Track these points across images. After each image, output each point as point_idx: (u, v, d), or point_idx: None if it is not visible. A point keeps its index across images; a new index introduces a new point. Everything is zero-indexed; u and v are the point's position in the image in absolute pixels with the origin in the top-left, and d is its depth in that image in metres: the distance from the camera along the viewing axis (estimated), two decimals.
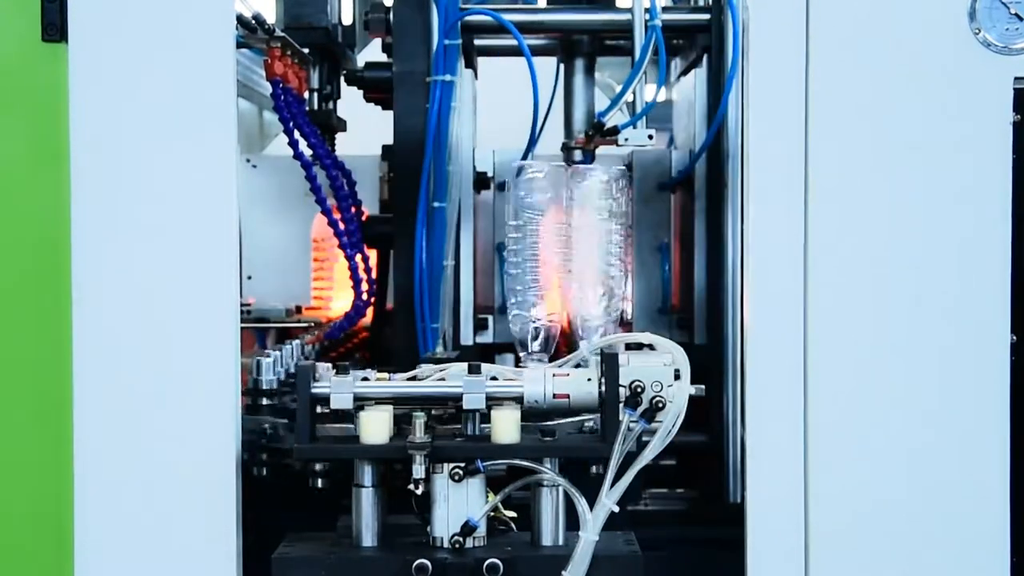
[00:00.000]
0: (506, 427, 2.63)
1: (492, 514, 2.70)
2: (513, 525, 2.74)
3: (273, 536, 2.78)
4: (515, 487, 2.67)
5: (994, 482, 2.81)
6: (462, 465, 2.62)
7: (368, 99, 3.78)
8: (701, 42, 3.65)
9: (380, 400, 2.69)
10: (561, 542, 2.69)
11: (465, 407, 2.65)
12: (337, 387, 2.64)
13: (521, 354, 2.99)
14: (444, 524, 2.65)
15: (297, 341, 3.22)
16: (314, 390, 2.64)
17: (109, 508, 2.72)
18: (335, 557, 2.65)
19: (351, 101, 4.01)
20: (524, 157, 3.54)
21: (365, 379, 2.70)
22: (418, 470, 2.58)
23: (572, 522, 2.67)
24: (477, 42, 3.80)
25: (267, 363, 3.11)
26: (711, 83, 3.60)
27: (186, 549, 2.71)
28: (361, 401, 2.66)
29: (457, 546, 2.63)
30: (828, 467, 2.80)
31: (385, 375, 2.77)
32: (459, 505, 2.64)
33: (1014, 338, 2.81)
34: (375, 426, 2.63)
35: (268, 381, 3.11)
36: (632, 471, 2.59)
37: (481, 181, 3.73)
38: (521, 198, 2.99)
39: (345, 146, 4.02)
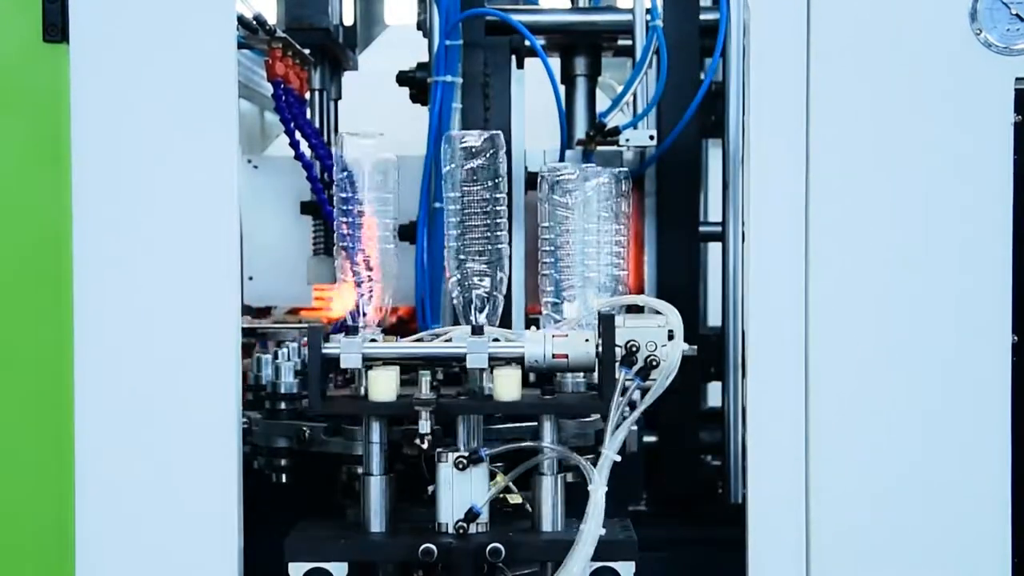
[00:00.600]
0: (508, 385, 2.69)
1: (502, 503, 2.78)
2: (529, 505, 2.79)
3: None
4: (516, 474, 2.71)
5: (995, 482, 2.81)
6: (466, 454, 2.68)
7: (415, 100, 3.78)
8: None
9: (388, 361, 2.74)
10: (560, 527, 2.74)
11: (469, 366, 2.70)
12: (347, 347, 2.69)
13: None
14: (449, 511, 2.70)
15: (294, 344, 3.22)
16: (325, 351, 2.68)
17: (110, 508, 2.72)
18: (345, 541, 2.71)
19: (351, 101, 4.01)
20: (561, 157, 3.57)
21: (373, 340, 2.75)
22: (424, 425, 2.64)
23: (571, 510, 2.71)
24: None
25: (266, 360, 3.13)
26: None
27: (186, 549, 2.72)
28: (370, 361, 2.71)
29: (461, 531, 2.68)
30: (828, 467, 2.80)
31: (393, 338, 2.82)
32: (463, 492, 2.69)
33: (1015, 339, 2.81)
34: (383, 384, 2.69)
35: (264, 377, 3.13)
36: (629, 421, 2.64)
37: (532, 181, 3.73)
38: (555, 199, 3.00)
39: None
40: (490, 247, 2.83)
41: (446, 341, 2.81)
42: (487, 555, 2.64)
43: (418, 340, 2.86)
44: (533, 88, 3.73)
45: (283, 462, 3.01)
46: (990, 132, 2.79)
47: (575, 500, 2.69)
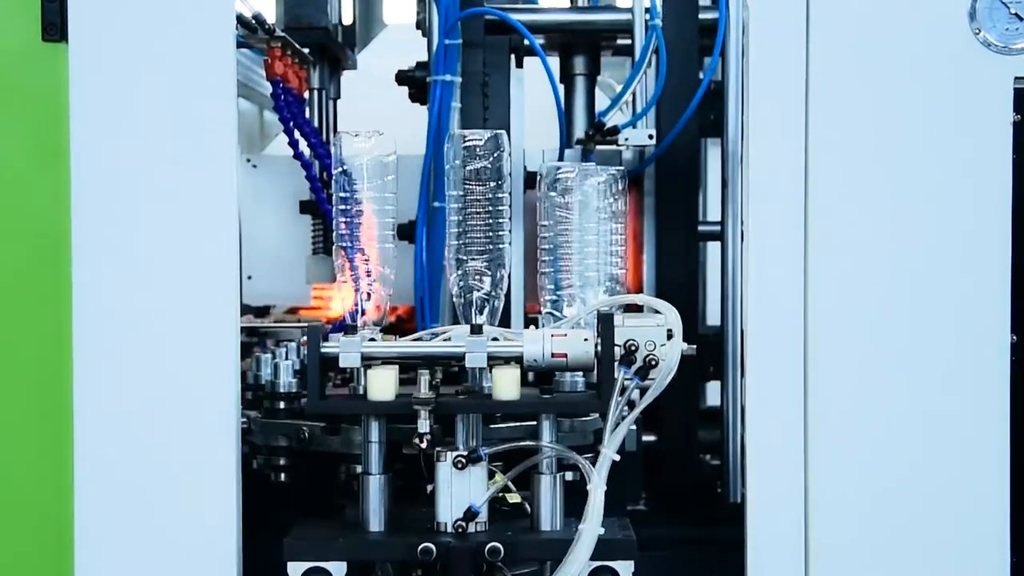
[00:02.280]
0: (506, 384, 2.68)
1: (500, 495, 2.76)
2: (528, 506, 2.79)
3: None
4: (515, 473, 2.71)
5: (994, 482, 2.81)
6: (465, 453, 2.67)
7: (413, 99, 3.78)
8: None
9: (387, 360, 2.74)
10: (560, 527, 2.73)
11: (468, 366, 2.70)
12: (346, 346, 2.68)
13: None
14: (448, 510, 2.69)
15: (293, 343, 3.22)
16: (323, 350, 2.68)
17: (109, 508, 2.72)
18: (344, 540, 2.70)
19: (351, 101, 4.01)
20: (560, 156, 3.57)
21: (372, 339, 2.75)
22: (423, 424, 2.64)
23: (570, 510, 2.71)
24: None
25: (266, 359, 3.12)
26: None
27: (186, 549, 2.72)
28: (369, 361, 2.71)
29: (460, 531, 2.68)
30: (828, 466, 2.80)
31: (391, 337, 2.82)
32: (462, 492, 2.68)
33: (1014, 338, 2.81)
34: (382, 383, 2.69)
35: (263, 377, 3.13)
36: (628, 421, 2.64)
37: (530, 180, 3.73)
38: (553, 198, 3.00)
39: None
40: (491, 246, 2.83)
41: (445, 340, 2.80)
42: (486, 554, 2.64)
43: (417, 339, 2.86)
44: (532, 87, 3.73)
45: (282, 461, 3.00)
46: (989, 131, 2.79)
47: (574, 499, 2.68)
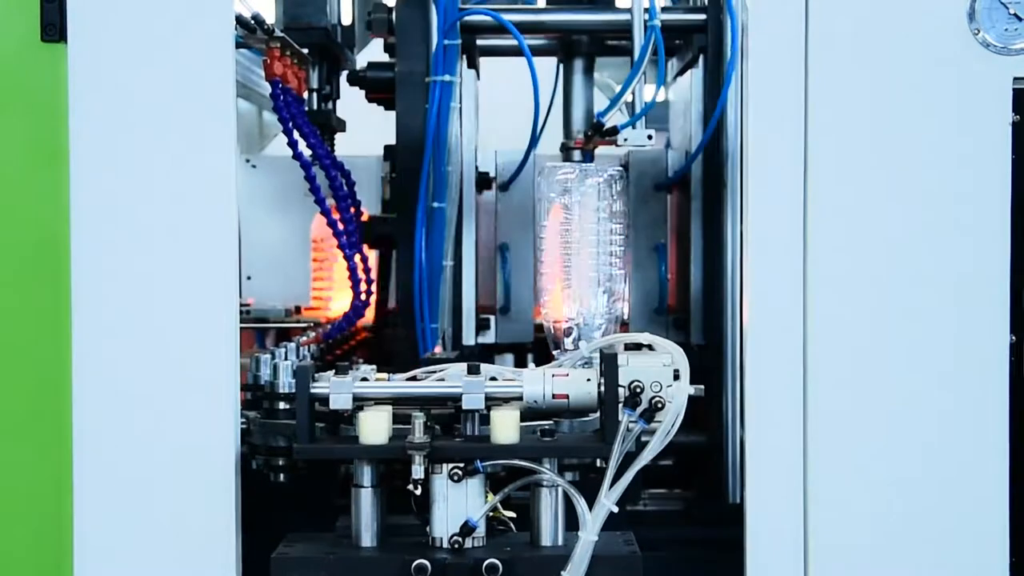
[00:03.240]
0: (505, 427, 2.63)
1: (491, 514, 2.70)
2: (512, 525, 2.74)
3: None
4: (514, 487, 2.67)
5: (993, 482, 2.81)
6: (461, 465, 2.62)
7: (370, 99, 3.78)
8: (698, 42, 3.65)
9: (379, 400, 2.68)
10: (560, 542, 2.68)
11: (464, 407, 2.65)
12: (336, 387, 2.64)
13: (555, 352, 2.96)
14: (443, 524, 2.65)
15: (293, 343, 3.22)
16: (313, 390, 2.64)
17: (108, 508, 2.72)
18: (334, 557, 2.65)
19: (351, 101, 4.01)
20: (525, 158, 3.54)
21: (364, 379, 2.70)
22: (417, 470, 2.58)
23: (571, 522, 2.67)
24: (477, 42, 3.79)
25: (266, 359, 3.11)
26: (708, 83, 3.60)
27: (186, 549, 2.71)
28: (360, 401, 2.66)
29: (456, 546, 2.63)
30: (827, 467, 2.80)
31: (384, 376, 2.76)
32: (458, 505, 2.64)
33: (1014, 338, 2.81)
34: (374, 426, 2.63)
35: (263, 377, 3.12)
36: (631, 471, 2.58)
37: (483, 181, 3.72)
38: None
39: (345, 146, 4.02)
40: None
41: (439, 380, 2.73)
42: (484, 571, 2.59)
43: (412, 378, 2.79)
44: (522, 88, 3.69)
45: (281, 462, 2.98)
46: (989, 132, 2.79)
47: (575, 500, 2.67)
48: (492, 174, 3.77)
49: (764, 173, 2.79)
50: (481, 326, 3.71)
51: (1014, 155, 2.80)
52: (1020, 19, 2.79)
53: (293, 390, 3.02)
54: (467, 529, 2.63)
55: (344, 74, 3.91)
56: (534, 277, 3.32)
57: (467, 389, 2.64)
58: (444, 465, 2.63)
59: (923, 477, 2.80)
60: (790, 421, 2.79)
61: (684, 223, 3.69)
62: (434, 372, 2.77)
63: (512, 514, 2.77)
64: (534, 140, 3.53)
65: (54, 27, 2.69)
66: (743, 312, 2.93)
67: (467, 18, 3.44)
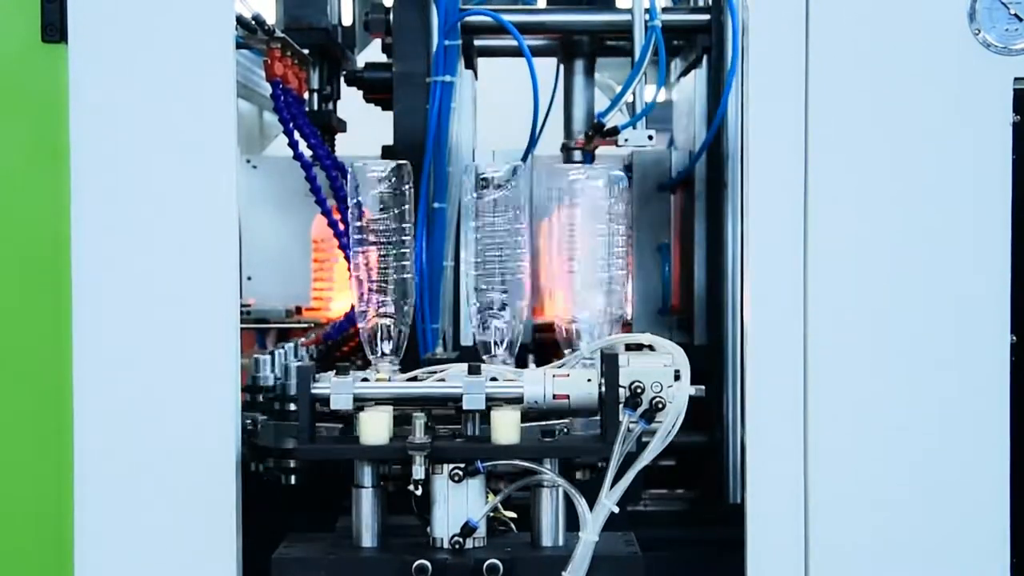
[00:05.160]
0: (506, 428, 2.62)
1: (492, 514, 2.70)
2: (513, 526, 2.74)
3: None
4: (515, 488, 2.66)
5: (994, 482, 2.80)
6: (462, 466, 2.62)
7: (368, 99, 3.78)
8: (701, 43, 3.66)
9: (380, 401, 2.68)
10: (561, 543, 2.68)
11: (465, 408, 2.64)
12: (337, 388, 2.64)
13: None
14: (444, 525, 2.64)
15: (291, 344, 3.21)
16: (314, 391, 2.64)
17: (109, 508, 2.71)
18: (335, 558, 2.65)
19: (351, 101, 4.01)
20: (524, 158, 3.54)
21: (365, 379, 2.70)
22: (418, 471, 2.58)
23: (572, 523, 2.66)
24: (477, 43, 3.80)
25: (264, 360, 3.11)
26: (711, 84, 3.60)
27: (186, 549, 2.71)
28: (361, 402, 2.66)
29: (457, 547, 2.62)
30: (828, 467, 2.79)
31: (385, 376, 2.76)
32: (459, 506, 2.63)
33: (1014, 338, 2.81)
34: (375, 427, 2.63)
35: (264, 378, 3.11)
36: (632, 472, 2.58)
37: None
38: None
39: (345, 146, 4.02)
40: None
41: (440, 380, 2.72)
42: (484, 571, 2.58)
43: (412, 379, 2.77)
44: (523, 89, 3.69)
45: (292, 464, 2.94)
46: (989, 132, 2.79)
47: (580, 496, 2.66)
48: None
49: (764, 173, 2.79)
50: None
51: (1014, 155, 2.80)
52: (1020, 19, 2.79)
53: (293, 391, 3.03)
54: (468, 529, 2.62)
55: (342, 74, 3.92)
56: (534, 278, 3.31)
57: (468, 390, 2.64)
58: (445, 466, 2.63)
59: (923, 477, 2.80)
60: (791, 421, 2.79)
61: (688, 223, 3.69)
62: (435, 372, 2.77)
63: (512, 514, 2.77)
64: (533, 141, 3.53)
65: (55, 27, 2.69)
66: (743, 312, 2.93)
67: (467, 19, 3.44)
